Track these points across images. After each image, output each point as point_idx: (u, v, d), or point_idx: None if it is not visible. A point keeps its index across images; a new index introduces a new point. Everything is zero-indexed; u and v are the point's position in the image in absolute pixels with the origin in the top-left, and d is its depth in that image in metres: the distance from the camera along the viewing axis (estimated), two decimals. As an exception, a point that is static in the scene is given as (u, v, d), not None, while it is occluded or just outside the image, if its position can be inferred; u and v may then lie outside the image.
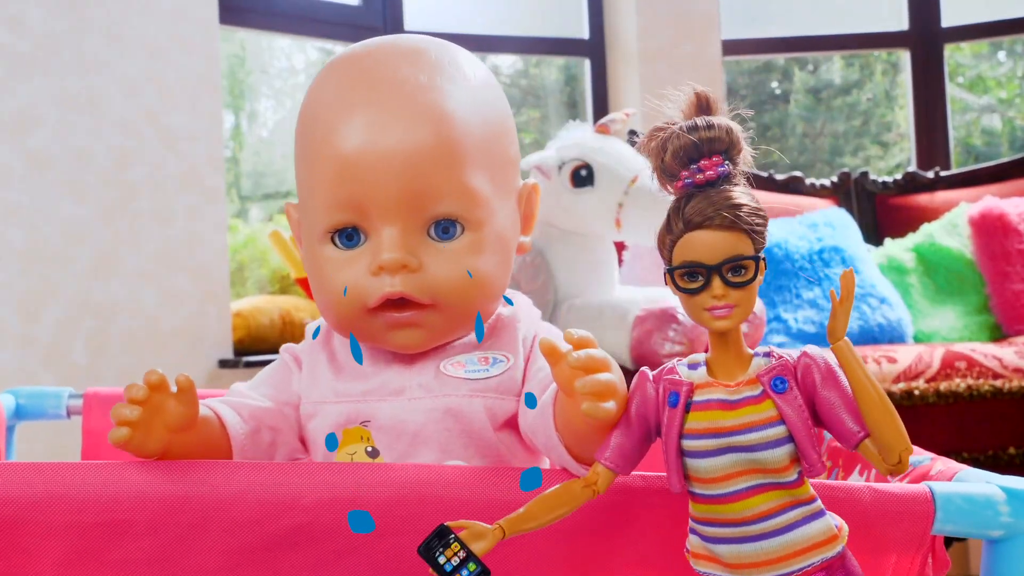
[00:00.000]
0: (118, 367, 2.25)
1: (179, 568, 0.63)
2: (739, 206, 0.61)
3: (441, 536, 0.55)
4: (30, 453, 1.19)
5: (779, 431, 0.60)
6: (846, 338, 0.59)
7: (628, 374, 0.64)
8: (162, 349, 2.31)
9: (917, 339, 2.30)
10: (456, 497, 0.64)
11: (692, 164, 0.63)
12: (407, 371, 0.81)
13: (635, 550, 0.67)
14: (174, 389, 0.68)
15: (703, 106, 0.65)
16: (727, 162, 0.62)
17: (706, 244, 0.61)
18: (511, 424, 0.81)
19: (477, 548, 0.56)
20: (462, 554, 0.55)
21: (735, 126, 0.64)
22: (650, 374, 0.64)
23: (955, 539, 2.05)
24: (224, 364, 2.39)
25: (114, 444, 0.65)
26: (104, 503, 0.62)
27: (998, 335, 2.32)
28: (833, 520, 0.62)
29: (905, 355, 1.97)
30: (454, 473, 0.65)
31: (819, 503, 0.62)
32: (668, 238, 0.62)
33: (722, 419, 0.61)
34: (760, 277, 0.62)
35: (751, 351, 0.63)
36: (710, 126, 0.63)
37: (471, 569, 0.55)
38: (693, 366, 0.64)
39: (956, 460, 0.79)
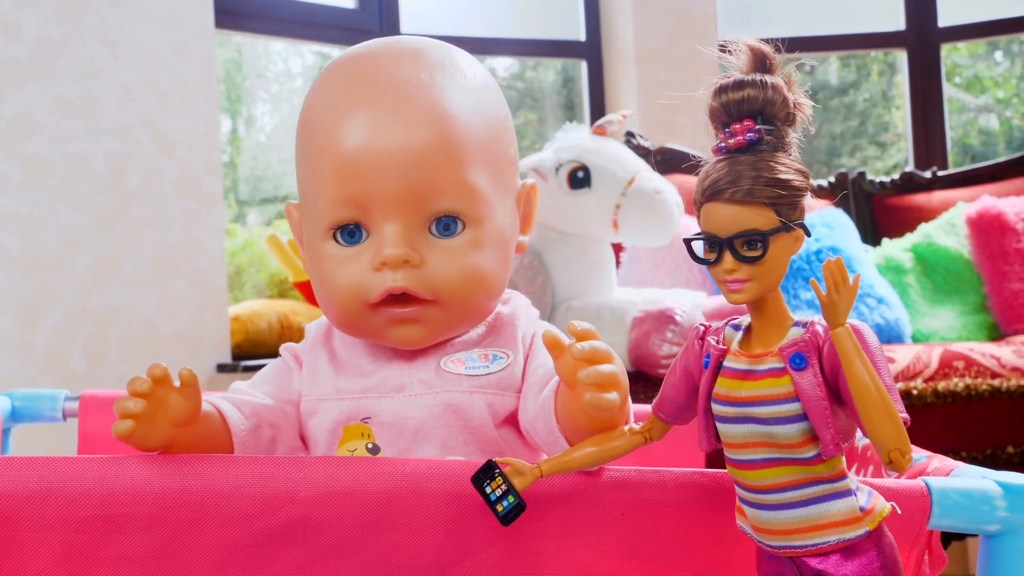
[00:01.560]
0: (117, 373, 2.24)
1: (176, 563, 0.62)
2: (759, 177, 0.58)
3: (488, 469, 0.61)
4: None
5: (794, 407, 0.59)
6: (847, 325, 0.56)
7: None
8: (161, 354, 2.30)
9: (915, 339, 2.30)
10: (454, 491, 0.64)
11: (726, 128, 0.61)
12: (407, 368, 0.81)
13: (628, 544, 0.67)
14: (177, 383, 0.69)
15: (758, 63, 0.62)
16: (760, 126, 0.60)
17: (720, 216, 0.59)
18: (511, 420, 0.81)
19: (517, 483, 0.61)
20: (504, 487, 0.61)
21: (779, 83, 0.61)
22: (701, 329, 0.64)
23: (953, 538, 2.04)
24: (222, 368, 2.39)
25: (117, 437, 0.65)
26: (100, 498, 0.62)
27: (996, 334, 2.32)
28: (861, 502, 0.60)
29: (903, 355, 1.96)
30: (453, 467, 0.65)
31: (846, 482, 0.60)
32: (696, 205, 0.61)
33: (739, 389, 0.60)
34: (793, 248, 0.59)
35: (794, 318, 0.61)
36: (739, 85, 0.60)
37: (510, 501, 0.61)
38: (736, 327, 0.63)
39: (954, 460, 0.78)
